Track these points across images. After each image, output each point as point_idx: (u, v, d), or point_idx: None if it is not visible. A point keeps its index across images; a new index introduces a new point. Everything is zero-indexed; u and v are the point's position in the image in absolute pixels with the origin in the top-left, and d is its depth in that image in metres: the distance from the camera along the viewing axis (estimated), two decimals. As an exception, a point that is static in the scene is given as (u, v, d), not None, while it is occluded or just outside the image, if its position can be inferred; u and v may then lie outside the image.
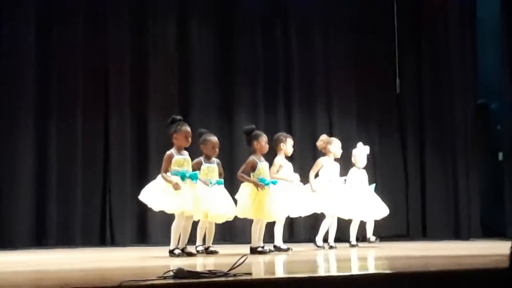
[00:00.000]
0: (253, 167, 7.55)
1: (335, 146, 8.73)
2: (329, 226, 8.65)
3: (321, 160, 8.70)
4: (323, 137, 8.87)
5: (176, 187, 6.84)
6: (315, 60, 11.15)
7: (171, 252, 6.98)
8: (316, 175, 8.68)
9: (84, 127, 10.00)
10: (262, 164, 7.61)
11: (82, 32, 10.12)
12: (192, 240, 7.88)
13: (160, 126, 9.88)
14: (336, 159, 8.77)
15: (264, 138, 7.69)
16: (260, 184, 7.44)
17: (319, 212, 8.66)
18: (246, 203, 7.51)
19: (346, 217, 8.86)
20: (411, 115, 11.46)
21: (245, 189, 7.58)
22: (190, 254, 7.08)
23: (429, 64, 11.49)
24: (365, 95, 11.28)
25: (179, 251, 6.96)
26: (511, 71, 11.14)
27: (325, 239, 8.66)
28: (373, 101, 11.32)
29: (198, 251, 7.64)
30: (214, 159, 7.66)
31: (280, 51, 11.03)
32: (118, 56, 10.26)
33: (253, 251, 7.43)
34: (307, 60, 11.11)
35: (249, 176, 7.53)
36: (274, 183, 7.64)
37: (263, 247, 7.51)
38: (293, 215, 8.50)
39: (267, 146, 7.76)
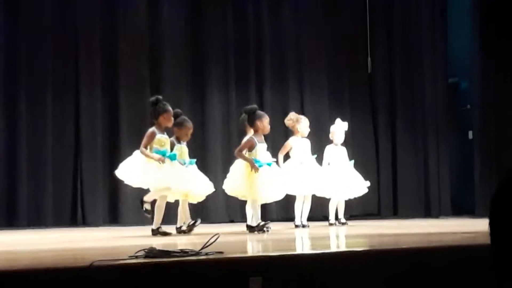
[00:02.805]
0: (251, 147, 7.51)
1: (303, 125, 8.66)
2: (301, 206, 8.65)
3: (289, 142, 8.64)
4: (292, 115, 8.81)
5: (161, 160, 6.87)
6: (287, 38, 11.11)
7: (155, 231, 6.99)
8: (288, 156, 8.66)
9: (54, 105, 9.89)
10: (261, 146, 7.56)
11: (51, 8, 9.97)
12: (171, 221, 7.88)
13: (131, 105, 9.84)
14: (305, 137, 8.74)
15: (267, 119, 7.65)
16: (255, 166, 7.40)
17: (292, 194, 8.65)
18: (238, 181, 7.51)
19: (325, 196, 8.85)
20: (382, 94, 11.50)
21: (239, 166, 7.56)
22: (165, 234, 7.08)
23: (400, 43, 11.52)
24: (337, 74, 11.28)
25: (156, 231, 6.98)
26: (481, 50, 11.22)
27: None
28: (344, 80, 11.33)
29: (184, 231, 7.55)
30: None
31: (251, 30, 10.96)
32: (88, 33, 10.13)
33: (250, 229, 7.44)
34: (278, 38, 11.07)
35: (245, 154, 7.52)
36: (269, 164, 7.59)
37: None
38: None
39: (269, 126, 7.73)
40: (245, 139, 7.89)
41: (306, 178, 8.49)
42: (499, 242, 1.75)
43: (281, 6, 11.12)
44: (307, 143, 8.71)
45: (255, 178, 7.40)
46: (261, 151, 7.55)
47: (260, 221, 7.42)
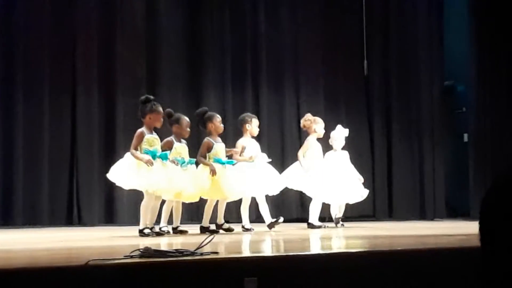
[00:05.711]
0: (209, 148, 7.61)
1: (320, 126, 8.69)
2: (320, 206, 8.63)
3: (311, 141, 8.61)
4: (309, 116, 8.78)
5: (149, 162, 6.82)
6: (284, 40, 11.14)
7: (141, 232, 6.94)
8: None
9: (51, 106, 9.89)
10: (218, 145, 7.66)
11: (48, 9, 9.97)
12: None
13: (128, 105, 9.83)
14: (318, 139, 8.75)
15: (218, 118, 7.75)
16: (213, 171, 7.49)
17: (308, 194, 8.64)
18: (204, 184, 7.54)
19: (327, 202, 8.82)
20: (378, 97, 11.52)
21: (203, 170, 7.61)
22: (159, 234, 7.08)
23: (397, 45, 11.55)
24: (333, 76, 11.30)
25: (149, 231, 6.94)
26: (477, 53, 11.25)
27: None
28: (340, 83, 11.35)
29: (163, 232, 7.57)
30: (182, 139, 7.63)
31: (248, 32, 10.99)
32: (85, 34, 10.14)
33: (203, 230, 7.52)
34: (275, 40, 11.09)
35: (206, 157, 7.60)
36: (231, 163, 7.65)
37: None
38: (259, 194, 8.11)
39: (222, 125, 7.80)
40: (239, 141, 7.97)
41: (322, 181, 8.51)
42: (489, 244, 1.76)
43: (278, 9, 11.14)
44: (320, 145, 8.74)
45: (217, 178, 7.51)
46: (220, 150, 7.65)
47: (208, 224, 7.65)
